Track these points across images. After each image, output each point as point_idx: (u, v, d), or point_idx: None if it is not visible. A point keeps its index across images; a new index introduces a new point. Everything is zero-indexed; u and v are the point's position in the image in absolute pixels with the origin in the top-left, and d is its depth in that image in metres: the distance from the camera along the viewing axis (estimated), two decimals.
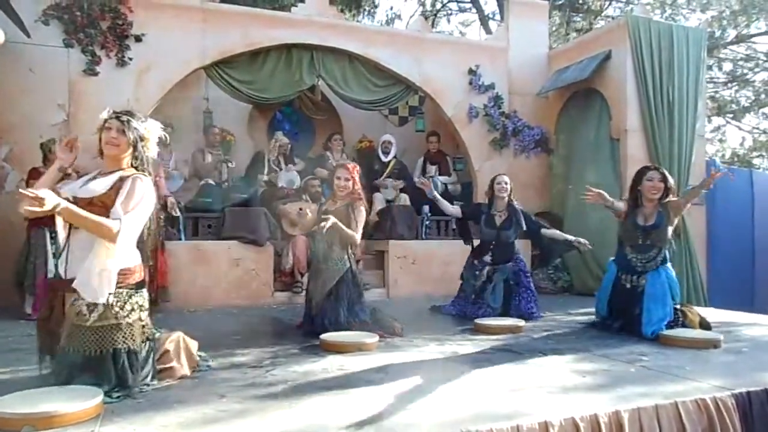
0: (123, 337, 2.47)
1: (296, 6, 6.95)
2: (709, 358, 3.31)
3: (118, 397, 2.38)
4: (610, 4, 15.21)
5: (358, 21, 13.22)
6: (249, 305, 5.49)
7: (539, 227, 5.08)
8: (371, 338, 3.58)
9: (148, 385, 2.55)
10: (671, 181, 4.08)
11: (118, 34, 5.68)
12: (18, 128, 5.28)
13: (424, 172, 7.54)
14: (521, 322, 4.28)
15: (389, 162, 7.33)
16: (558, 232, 5.12)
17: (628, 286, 4.09)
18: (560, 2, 14.10)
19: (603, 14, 14.94)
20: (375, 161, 7.37)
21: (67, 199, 2.39)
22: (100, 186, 2.49)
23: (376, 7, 15.35)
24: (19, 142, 5.22)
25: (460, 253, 5.28)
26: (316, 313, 3.97)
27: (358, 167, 4.28)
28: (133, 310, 2.53)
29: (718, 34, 14.33)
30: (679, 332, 3.81)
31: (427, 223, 6.81)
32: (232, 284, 5.65)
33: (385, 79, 6.98)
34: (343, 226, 3.92)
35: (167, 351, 2.74)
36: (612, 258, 4.34)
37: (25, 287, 4.70)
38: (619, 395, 2.50)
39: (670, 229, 4.09)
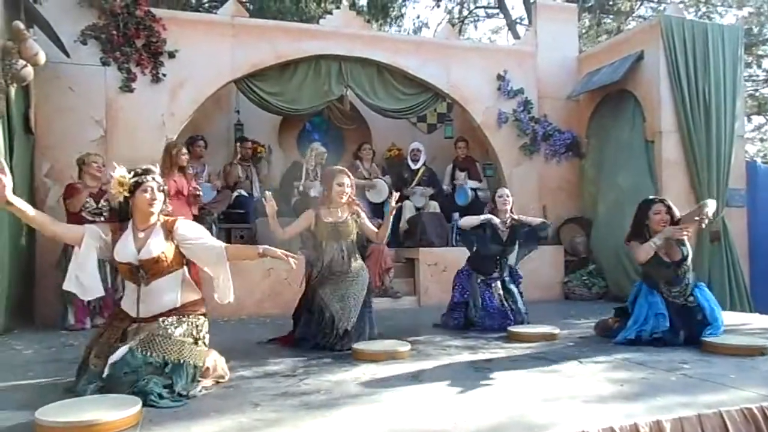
0: (196, 354, 2.75)
1: (324, 18, 7.04)
2: (754, 365, 3.19)
3: (175, 402, 2.48)
4: (641, 4, 14.96)
5: (385, 31, 13.29)
6: (281, 314, 5.52)
7: (534, 230, 4.85)
8: (404, 347, 3.57)
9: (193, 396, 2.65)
10: (675, 209, 3.98)
11: (153, 51, 5.84)
12: (58, 145, 5.46)
13: (453, 178, 7.51)
14: (556, 330, 4.21)
15: (418, 169, 7.32)
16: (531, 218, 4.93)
17: (680, 301, 3.93)
18: (590, 4, 13.93)
19: (634, 15, 14.69)
20: (404, 169, 7.38)
21: (130, 263, 2.76)
22: (156, 248, 2.80)
23: (402, 16, 15.43)
24: (60, 159, 5.39)
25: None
26: (339, 322, 3.80)
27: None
28: (206, 334, 2.91)
29: (756, 30, 13.93)
30: (723, 339, 3.68)
31: (458, 230, 6.76)
32: (265, 294, 5.71)
33: (413, 88, 6.99)
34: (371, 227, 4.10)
35: (207, 368, 2.84)
36: (640, 282, 4.11)
37: (66, 298, 4.84)
38: (660, 405, 2.42)
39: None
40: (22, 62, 4.46)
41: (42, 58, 4.66)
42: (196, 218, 5.46)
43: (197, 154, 6.20)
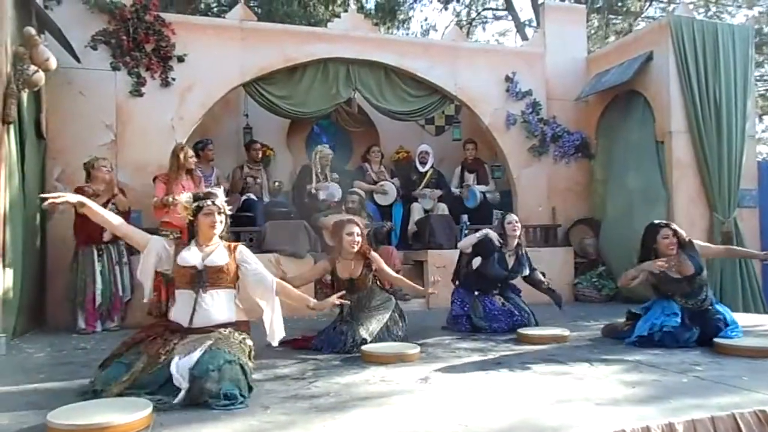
0: (248, 360, 2.88)
1: (332, 21, 7.06)
2: None
3: (236, 400, 2.50)
4: (650, 4, 14.87)
5: (392, 34, 13.31)
6: (290, 316, 5.51)
7: (535, 273, 4.89)
8: (413, 349, 3.56)
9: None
10: (681, 232, 4.05)
11: (162, 56, 5.88)
12: (70, 149, 5.50)
13: (461, 180, 7.50)
14: (566, 332, 4.18)
15: (426, 172, 7.32)
16: (542, 278, 4.85)
17: (696, 307, 3.93)
18: (598, 5, 13.87)
19: (643, 15, 14.61)
20: (412, 172, 7.38)
21: (194, 267, 2.95)
22: (221, 258, 3.04)
23: (410, 19, 15.45)
24: (71, 163, 5.44)
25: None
26: (357, 334, 3.84)
27: (360, 220, 4.40)
28: (252, 347, 3.04)
29: (766, 30, 13.82)
30: (735, 341, 3.64)
31: (466, 232, 6.74)
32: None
33: (421, 90, 7.00)
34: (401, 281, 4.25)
35: None
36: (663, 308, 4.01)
37: (77, 303, 4.88)
38: (672, 407, 2.40)
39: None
40: (33, 68, 4.50)
41: (53, 63, 4.70)
42: None
43: (208, 157, 6.23)
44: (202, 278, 2.95)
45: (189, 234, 3.13)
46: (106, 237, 4.99)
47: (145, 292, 3.10)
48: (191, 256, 2.99)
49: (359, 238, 4.07)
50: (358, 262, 4.10)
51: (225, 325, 2.95)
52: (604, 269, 6.81)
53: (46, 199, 2.83)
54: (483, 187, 7.30)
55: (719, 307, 3.99)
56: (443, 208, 7.00)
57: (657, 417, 2.25)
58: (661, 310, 3.90)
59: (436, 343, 4.12)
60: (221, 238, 3.16)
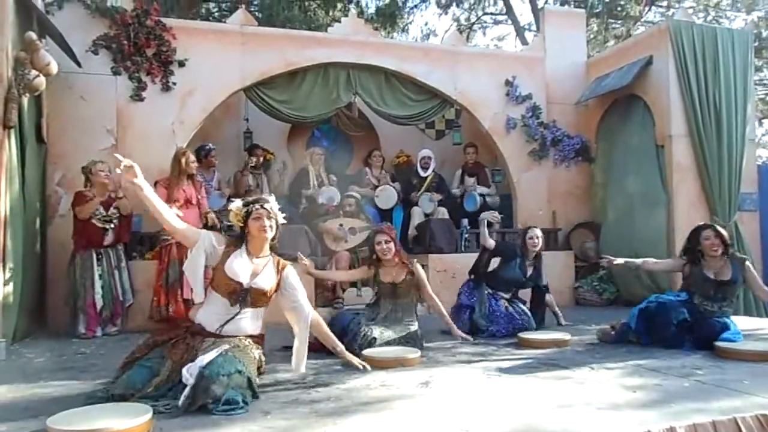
0: (257, 372, 2.92)
1: (332, 26, 7.08)
2: None
3: (237, 405, 2.48)
4: (649, 9, 14.90)
5: (392, 38, 13.33)
6: None
7: (547, 295, 5.12)
8: (413, 353, 3.56)
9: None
10: (725, 233, 4.10)
11: (163, 60, 5.89)
12: (70, 154, 5.51)
13: (462, 183, 7.50)
14: (567, 336, 4.18)
15: (427, 176, 7.32)
16: (551, 300, 5.20)
17: (707, 309, 3.99)
18: (598, 10, 13.90)
19: (642, 20, 14.64)
20: (413, 176, 7.38)
21: (240, 285, 2.92)
22: (267, 282, 3.03)
23: (410, 24, 15.48)
24: (72, 168, 5.43)
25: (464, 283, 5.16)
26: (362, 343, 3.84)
27: (392, 227, 4.48)
28: (264, 362, 3.09)
29: (765, 34, 13.85)
30: (737, 344, 3.64)
31: (466, 236, 6.74)
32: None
33: (421, 94, 7.01)
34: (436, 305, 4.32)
35: None
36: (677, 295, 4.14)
37: (78, 307, 4.86)
38: (673, 411, 2.40)
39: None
40: (34, 72, 4.50)
41: (54, 68, 4.71)
42: (205, 227, 5.49)
43: (211, 164, 6.23)
44: (246, 297, 2.94)
45: (239, 239, 3.07)
46: (106, 241, 4.98)
47: (196, 291, 2.97)
48: (241, 270, 2.94)
49: (387, 246, 4.16)
50: (400, 270, 4.20)
51: (251, 337, 2.99)
52: (604, 273, 6.79)
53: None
54: (483, 190, 7.30)
55: (727, 318, 3.99)
56: (443, 212, 7.00)
57: (658, 421, 2.25)
58: (668, 298, 4.01)
59: (437, 347, 4.11)
60: (272, 249, 3.11)
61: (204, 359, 2.61)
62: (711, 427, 2.25)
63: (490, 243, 4.91)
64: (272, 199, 3.12)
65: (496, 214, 5.10)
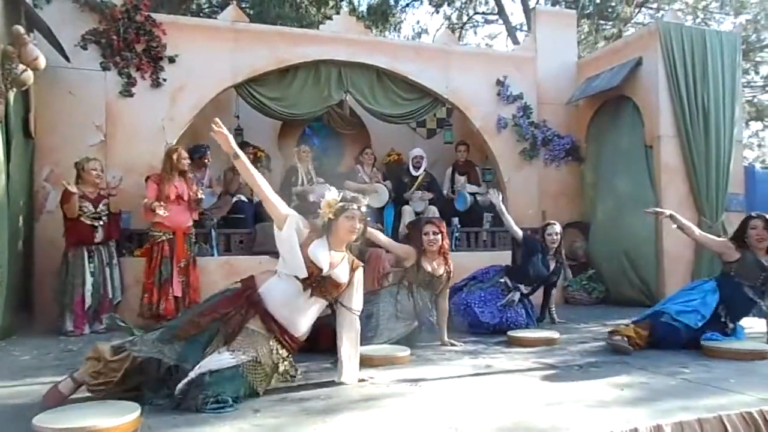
0: (282, 379, 2.91)
1: (324, 23, 7.05)
2: (754, 369, 3.20)
3: (227, 404, 2.50)
4: (639, 11, 15.00)
5: (384, 36, 13.32)
6: None
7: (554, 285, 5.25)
8: (403, 351, 3.56)
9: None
10: None
11: (153, 56, 5.84)
12: (58, 149, 5.45)
13: (453, 182, 7.51)
14: (556, 334, 4.20)
15: (418, 175, 7.32)
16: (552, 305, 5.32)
17: (722, 319, 3.92)
18: (588, 11, 13.98)
19: (632, 21, 14.74)
20: (404, 174, 7.37)
21: (320, 270, 2.84)
22: (343, 276, 2.96)
23: (402, 22, 15.48)
24: (60, 164, 5.38)
25: (491, 264, 5.28)
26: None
27: (442, 220, 4.53)
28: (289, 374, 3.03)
29: (753, 37, 13.99)
30: (723, 343, 3.68)
31: (457, 235, 6.76)
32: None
33: (413, 93, 7.00)
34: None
35: None
36: (714, 279, 4.10)
37: (65, 305, 4.82)
38: (660, 409, 2.42)
39: None
40: (22, 66, 4.46)
41: (42, 62, 4.66)
42: (196, 223, 5.47)
43: (203, 163, 6.17)
44: (320, 285, 2.87)
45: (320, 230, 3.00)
46: (97, 238, 4.95)
47: (297, 266, 2.81)
48: (323, 257, 2.87)
49: (434, 237, 4.17)
50: (440, 263, 4.21)
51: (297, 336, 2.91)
52: (593, 272, 6.85)
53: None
54: (474, 188, 7.31)
55: (739, 328, 4.01)
56: (434, 211, 7.00)
57: (645, 419, 2.28)
58: (700, 300, 3.89)
59: (427, 345, 4.12)
60: (349, 249, 3.08)
61: (221, 362, 2.58)
62: (697, 424, 2.27)
63: (519, 234, 4.99)
64: (365, 201, 3.07)
65: (495, 190, 5.18)
